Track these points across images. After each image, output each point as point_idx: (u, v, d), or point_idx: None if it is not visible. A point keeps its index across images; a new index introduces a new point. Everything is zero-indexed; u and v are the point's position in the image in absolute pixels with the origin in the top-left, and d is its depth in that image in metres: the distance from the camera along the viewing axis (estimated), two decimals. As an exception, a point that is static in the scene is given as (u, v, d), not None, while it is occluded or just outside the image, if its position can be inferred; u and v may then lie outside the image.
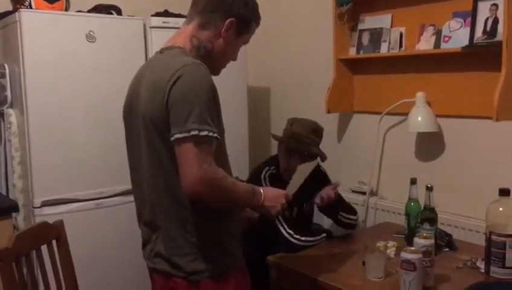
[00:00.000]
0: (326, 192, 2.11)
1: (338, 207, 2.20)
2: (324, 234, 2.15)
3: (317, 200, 2.12)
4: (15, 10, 2.27)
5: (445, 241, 2.00)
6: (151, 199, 1.49)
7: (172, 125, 1.33)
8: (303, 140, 2.19)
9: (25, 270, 1.68)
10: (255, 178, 2.16)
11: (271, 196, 1.53)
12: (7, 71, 2.36)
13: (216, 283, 1.44)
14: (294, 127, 2.23)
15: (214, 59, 1.50)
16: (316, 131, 2.24)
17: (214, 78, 1.43)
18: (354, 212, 2.28)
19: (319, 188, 2.19)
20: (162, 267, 1.49)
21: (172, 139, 1.32)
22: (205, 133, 1.31)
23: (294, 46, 3.10)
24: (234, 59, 1.60)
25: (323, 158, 2.24)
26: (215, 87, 1.40)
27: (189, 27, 1.51)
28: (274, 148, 2.49)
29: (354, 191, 2.72)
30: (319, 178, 2.26)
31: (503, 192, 1.74)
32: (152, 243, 1.53)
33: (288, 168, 2.15)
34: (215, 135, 1.34)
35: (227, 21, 1.48)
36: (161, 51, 1.53)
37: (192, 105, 1.31)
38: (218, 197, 1.38)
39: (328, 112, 2.65)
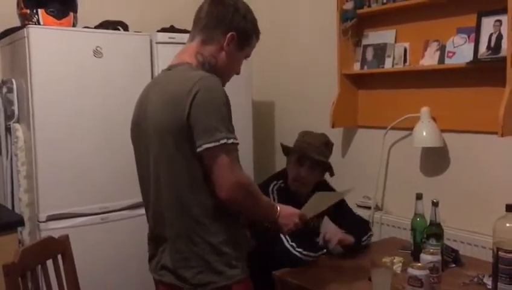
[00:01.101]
0: (329, 237, 2.04)
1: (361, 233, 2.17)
2: (325, 250, 2.14)
3: (320, 240, 2.06)
4: (23, 26, 2.29)
5: (451, 257, 1.98)
6: (159, 211, 1.52)
7: (199, 137, 1.38)
8: (315, 149, 2.19)
9: (30, 284, 1.68)
10: (262, 191, 2.15)
11: (286, 213, 1.60)
12: (15, 86, 2.38)
13: None
14: (307, 138, 2.24)
15: (218, 73, 1.53)
16: (327, 144, 2.26)
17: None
18: (368, 227, 2.25)
19: None
20: (167, 280, 1.51)
21: (201, 149, 1.38)
22: (232, 140, 1.40)
23: (298, 61, 3.12)
24: (238, 73, 1.65)
25: (332, 174, 2.25)
26: (228, 97, 1.46)
27: (193, 44, 1.57)
28: (279, 163, 2.51)
29: (359, 206, 2.71)
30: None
31: (510, 208, 1.73)
32: (158, 256, 1.55)
33: (298, 177, 2.16)
34: (237, 141, 1.43)
35: (228, 35, 1.53)
36: (169, 68, 1.56)
37: (216, 115, 1.39)
38: (249, 202, 1.48)
39: (333, 126, 2.66)
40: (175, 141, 1.42)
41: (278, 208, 1.59)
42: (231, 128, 1.42)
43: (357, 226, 2.21)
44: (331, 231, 2.06)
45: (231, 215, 1.50)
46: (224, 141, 1.38)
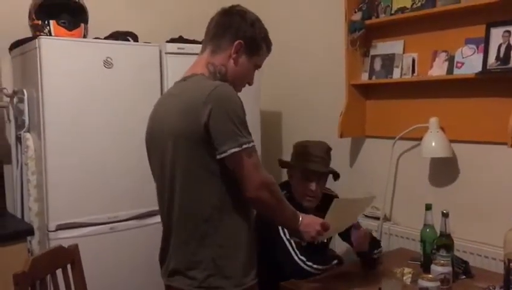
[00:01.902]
0: (358, 240, 2.03)
1: (373, 245, 2.12)
2: (336, 261, 2.13)
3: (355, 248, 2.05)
4: (34, 37, 2.32)
5: (462, 269, 1.97)
6: (173, 215, 1.55)
7: (222, 143, 1.44)
8: (321, 161, 2.15)
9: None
10: None
11: (308, 221, 1.64)
12: (25, 96, 2.40)
13: None
14: (309, 150, 2.18)
15: (229, 82, 1.56)
16: (328, 151, 2.22)
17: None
18: (379, 243, 2.22)
19: None
20: (177, 285, 1.53)
21: (226, 154, 1.44)
22: (252, 144, 1.48)
23: (306, 71, 3.13)
24: (250, 83, 1.68)
25: (336, 178, 2.22)
26: (242, 102, 1.52)
27: (204, 55, 1.62)
28: (286, 172, 2.49)
29: (367, 216, 2.70)
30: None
31: (521, 219, 1.72)
32: (168, 260, 1.58)
33: (309, 193, 2.13)
34: (254, 143, 1.50)
35: (235, 43, 1.57)
36: (184, 79, 1.60)
37: (236, 121, 1.45)
38: (273, 202, 1.53)
39: (341, 136, 2.66)
40: (190, 146, 1.47)
41: (301, 216, 1.63)
42: (249, 131, 1.49)
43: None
44: (355, 237, 2.02)
45: (243, 220, 1.53)
46: (246, 145, 1.45)
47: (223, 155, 1.44)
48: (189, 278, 1.50)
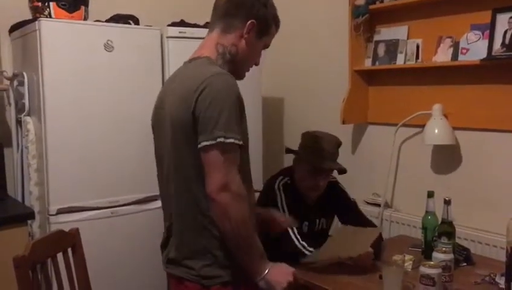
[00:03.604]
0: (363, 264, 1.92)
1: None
2: None
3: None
4: (34, 19, 2.29)
5: (463, 256, 1.97)
6: (170, 203, 1.53)
7: (200, 133, 1.37)
8: (331, 157, 2.11)
9: (40, 277, 1.68)
10: (269, 188, 2.14)
11: (278, 271, 1.47)
12: (26, 79, 2.38)
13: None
14: (320, 145, 2.10)
15: (239, 63, 1.54)
16: (339, 145, 2.17)
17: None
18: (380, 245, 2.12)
19: (338, 207, 2.17)
20: (175, 273, 1.53)
21: (199, 146, 1.36)
22: (231, 140, 1.35)
23: (308, 56, 3.10)
24: (257, 63, 1.63)
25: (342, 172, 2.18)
26: (241, 96, 1.43)
27: (213, 35, 1.54)
28: (287, 159, 2.48)
29: (368, 203, 2.70)
30: (338, 196, 2.23)
31: (524, 207, 1.71)
32: (168, 248, 1.56)
33: (316, 187, 2.11)
34: (240, 142, 1.38)
35: (248, 23, 1.51)
36: (190, 61, 1.56)
37: (218, 113, 1.35)
38: (235, 212, 1.37)
39: (343, 122, 2.64)
40: (185, 135, 1.42)
41: (269, 266, 1.46)
42: (235, 127, 1.38)
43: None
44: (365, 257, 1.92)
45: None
46: (222, 139, 1.34)
47: (198, 147, 1.36)
48: (187, 267, 1.48)
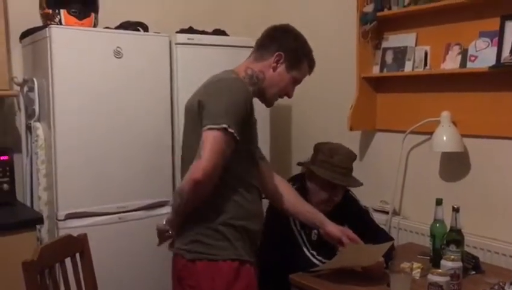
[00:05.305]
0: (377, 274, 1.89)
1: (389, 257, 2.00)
2: None
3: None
4: (45, 26, 2.32)
5: (471, 264, 1.95)
6: None
7: (203, 118, 1.53)
8: (348, 173, 2.09)
9: (48, 282, 1.69)
10: None
11: None
12: (36, 85, 2.40)
13: (211, 266, 1.56)
14: (337, 159, 2.08)
15: (265, 90, 1.71)
16: (354, 159, 2.15)
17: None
18: (392, 254, 2.08)
19: (349, 215, 2.15)
20: (173, 251, 1.69)
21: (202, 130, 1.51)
22: (224, 125, 1.46)
23: (316, 63, 3.07)
24: (289, 96, 1.78)
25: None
26: (250, 101, 1.57)
27: (247, 61, 1.75)
28: (295, 166, 2.48)
29: (376, 211, 2.68)
30: (349, 204, 2.21)
31: (533, 215, 1.70)
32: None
33: (331, 203, 2.10)
34: (234, 133, 1.48)
35: (275, 54, 1.69)
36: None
37: (220, 103, 1.50)
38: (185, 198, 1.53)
39: (351, 129, 2.64)
40: (192, 123, 1.59)
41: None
42: (233, 119, 1.48)
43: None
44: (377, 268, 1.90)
45: (235, 196, 1.59)
46: (214, 126, 1.47)
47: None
48: (177, 241, 1.64)
